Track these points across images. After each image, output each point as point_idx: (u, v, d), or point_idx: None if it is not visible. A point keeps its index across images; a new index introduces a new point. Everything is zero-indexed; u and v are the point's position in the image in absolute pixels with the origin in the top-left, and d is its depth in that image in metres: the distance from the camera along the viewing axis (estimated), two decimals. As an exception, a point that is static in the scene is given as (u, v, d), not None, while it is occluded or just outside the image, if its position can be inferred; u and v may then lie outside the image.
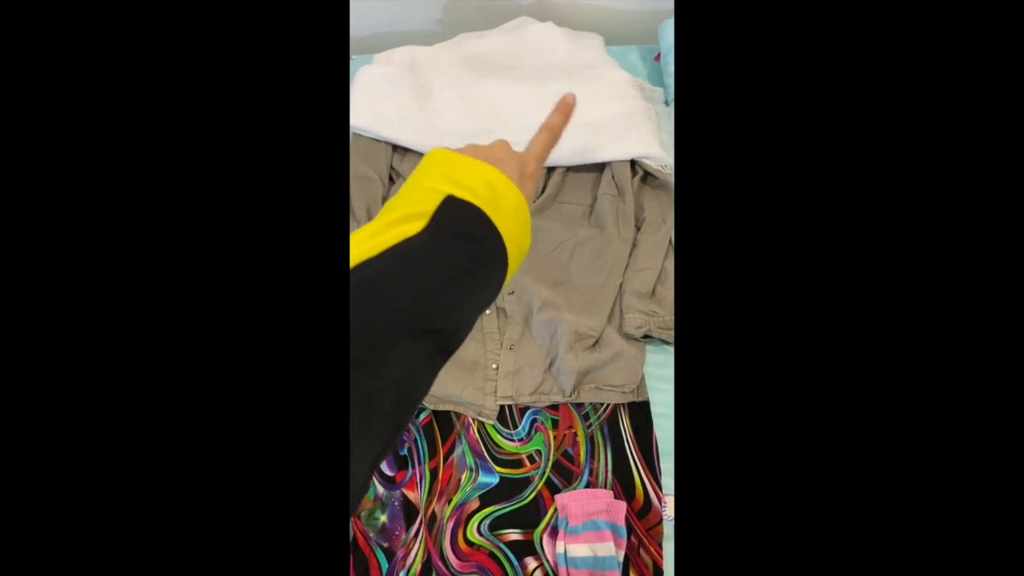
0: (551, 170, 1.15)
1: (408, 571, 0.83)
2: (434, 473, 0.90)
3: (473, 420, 0.94)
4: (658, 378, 0.96)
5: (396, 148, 1.18)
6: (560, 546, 0.83)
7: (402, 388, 0.35)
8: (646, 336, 0.98)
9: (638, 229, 1.07)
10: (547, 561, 0.83)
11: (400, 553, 0.84)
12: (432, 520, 0.86)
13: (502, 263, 0.42)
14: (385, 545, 0.85)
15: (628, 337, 0.97)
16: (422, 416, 0.93)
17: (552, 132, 0.50)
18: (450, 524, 0.86)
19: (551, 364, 0.96)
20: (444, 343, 0.39)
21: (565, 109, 0.52)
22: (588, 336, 0.96)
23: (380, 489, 0.89)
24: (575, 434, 0.92)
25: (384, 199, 1.12)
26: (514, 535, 0.85)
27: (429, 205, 0.40)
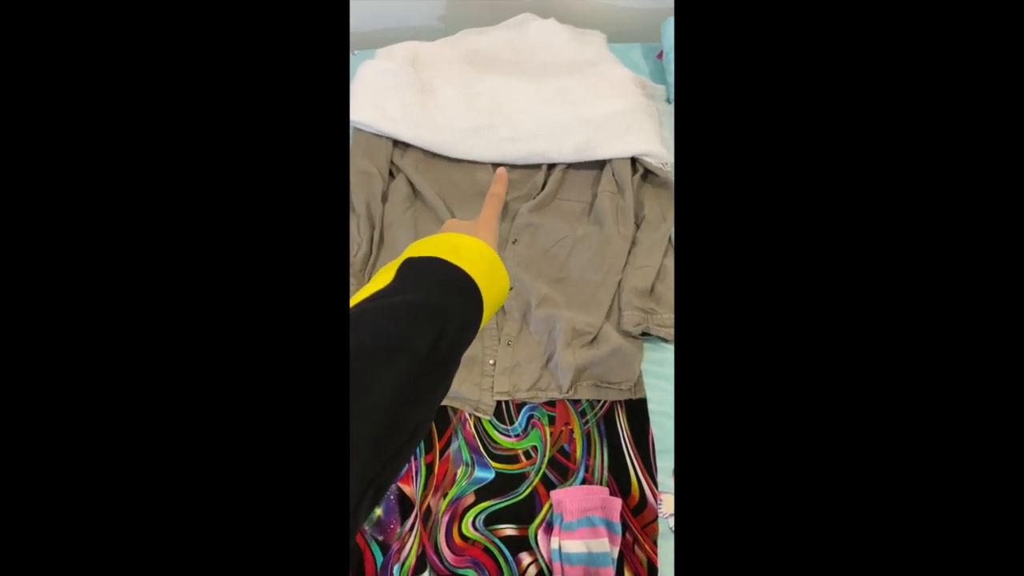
0: (552, 167, 1.15)
1: (403, 565, 0.83)
2: (430, 467, 0.90)
3: (470, 415, 0.94)
4: (656, 376, 0.96)
5: (397, 143, 1.18)
6: (555, 542, 0.83)
7: (388, 410, 0.37)
8: (644, 334, 0.98)
9: (637, 227, 1.07)
10: (542, 557, 0.84)
11: (395, 546, 0.85)
12: (427, 514, 0.86)
13: (473, 293, 0.48)
14: (380, 538, 0.85)
15: (626, 334, 0.97)
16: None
17: (496, 198, 0.61)
18: (445, 518, 0.86)
19: (548, 360, 0.96)
20: (431, 354, 0.42)
21: (502, 179, 0.64)
22: (586, 332, 0.96)
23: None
24: (571, 431, 0.92)
25: (384, 194, 1.12)
26: (509, 530, 0.86)
27: (392, 269, 0.48)
